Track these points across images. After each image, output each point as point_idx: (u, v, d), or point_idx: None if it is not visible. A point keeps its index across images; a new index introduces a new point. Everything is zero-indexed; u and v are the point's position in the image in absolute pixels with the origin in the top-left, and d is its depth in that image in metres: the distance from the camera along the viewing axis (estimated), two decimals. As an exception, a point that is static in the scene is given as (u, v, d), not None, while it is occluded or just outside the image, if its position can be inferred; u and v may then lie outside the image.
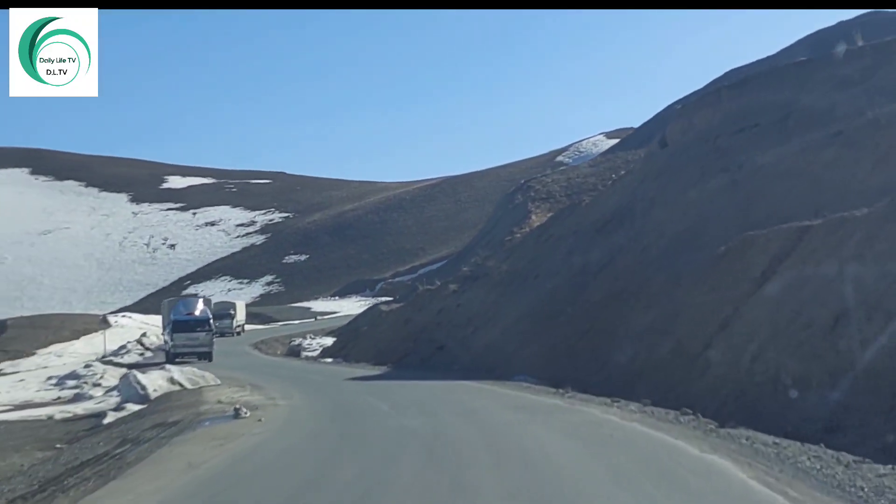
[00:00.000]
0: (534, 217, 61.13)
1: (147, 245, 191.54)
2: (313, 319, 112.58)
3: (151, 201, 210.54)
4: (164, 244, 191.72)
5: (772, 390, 20.97)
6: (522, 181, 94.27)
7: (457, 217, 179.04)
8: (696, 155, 38.06)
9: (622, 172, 52.26)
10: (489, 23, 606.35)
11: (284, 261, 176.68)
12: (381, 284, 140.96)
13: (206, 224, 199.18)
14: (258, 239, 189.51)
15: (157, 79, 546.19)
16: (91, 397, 34.45)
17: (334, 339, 62.18)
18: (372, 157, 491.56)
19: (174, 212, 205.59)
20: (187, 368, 34.39)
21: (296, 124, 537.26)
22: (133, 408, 28.39)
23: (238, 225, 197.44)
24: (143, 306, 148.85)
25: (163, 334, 63.45)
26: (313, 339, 70.30)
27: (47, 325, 73.91)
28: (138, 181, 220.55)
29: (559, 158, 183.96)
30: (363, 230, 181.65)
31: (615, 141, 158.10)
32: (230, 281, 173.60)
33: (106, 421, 25.56)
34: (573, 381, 29.66)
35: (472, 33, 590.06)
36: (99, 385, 40.18)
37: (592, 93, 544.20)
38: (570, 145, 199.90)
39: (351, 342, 54.93)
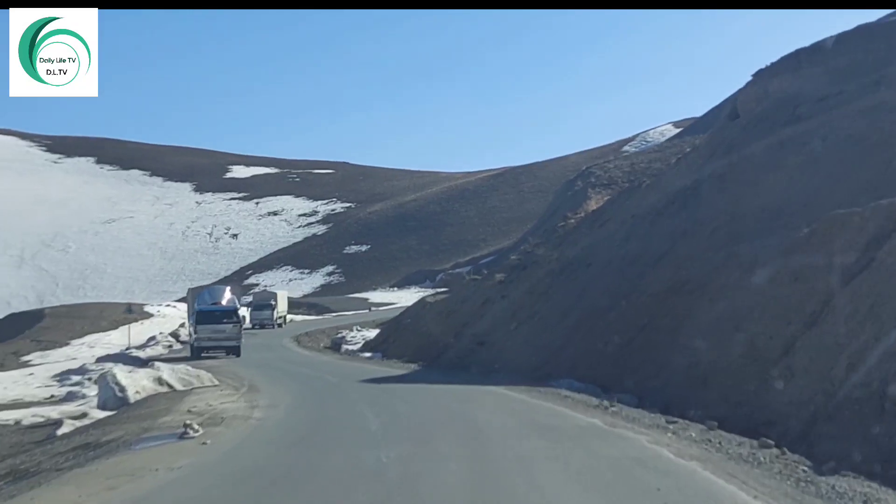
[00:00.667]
0: (591, 202, 56.01)
1: (210, 235, 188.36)
2: (367, 311, 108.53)
3: (215, 191, 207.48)
4: (226, 234, 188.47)
5: (877, 409, 15.90)
6: (584, 168, 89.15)
7: (519, 208, 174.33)
8: (772, 126, 32.82)
9: (687, 150, 46.90)
10: (553, 17, 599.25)
11: (345, 251, 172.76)
12: (441, 276, 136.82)
13: (269, 214, 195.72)
14: (320, 229, 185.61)
15: (221, 70, 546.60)
16: (83, 397, 30.11)
17: (378, 331, 57.58)
18: (435, 147, 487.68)
19: (237, 201, 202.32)
20: (181, 367, 29.77)
21: (360, 114, 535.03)
22: (98, 414, 23.90)
23: (300, 215, 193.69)
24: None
25: (188, 326, 59.68)
26: (359, 330, 65.75)
27: (85, 315, 70.12)
28: (202, 171, 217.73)
29: (625, 148, 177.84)
30: (424, 221, 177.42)
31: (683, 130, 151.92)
32: (291, 271, 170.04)
33: (60, 431, 21.09)
34: (624, 387, 24.64)
35: (535, 27, 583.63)
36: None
37: (661, 84, 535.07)
38: (637, 135, 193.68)
39: (393, 336, 50.20)
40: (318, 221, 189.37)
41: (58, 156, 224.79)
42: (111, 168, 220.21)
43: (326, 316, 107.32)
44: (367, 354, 47.74)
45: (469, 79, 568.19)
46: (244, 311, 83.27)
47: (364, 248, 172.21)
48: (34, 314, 79.95)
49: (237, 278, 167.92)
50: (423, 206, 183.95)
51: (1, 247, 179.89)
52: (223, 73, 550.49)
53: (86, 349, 57.03)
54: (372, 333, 58.62)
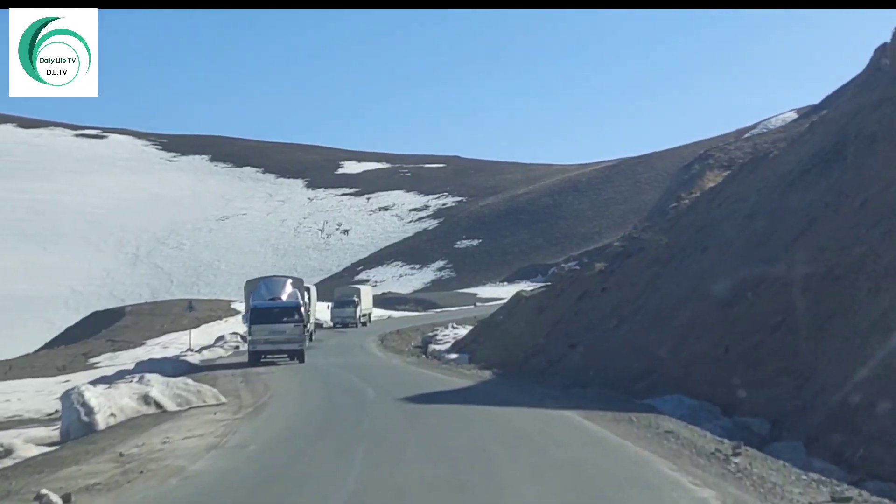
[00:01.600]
0: (707, 180, 48.70)
1: (321, 231, 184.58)
2: (473, 306, 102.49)
3: (326, 187, 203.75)
4: (337, 230, 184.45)
5: None
6: (703, 151, 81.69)
7: (635, 199, 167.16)
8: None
9: (823, 112, 39.43)
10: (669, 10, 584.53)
11: (456, 245, 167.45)
12: (553, 269, 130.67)
13: (380, 209, 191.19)
14: (431, 224, 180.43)
15: (333, 67, 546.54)
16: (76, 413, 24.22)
17: (470, 329, 51.25)
18: (547, 139, 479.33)
19: (348, 197, 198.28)
20: (179, 380, 23.48)
21: (471, 108, 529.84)
22: (29, 453, 17.62)
23: (411, 210, 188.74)
24: (318, 293, 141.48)
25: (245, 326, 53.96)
26: (454, 328, 59.47)
27: (167, 313, 65.17)
28: (314, 167, 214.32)
29: (746, 136, 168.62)
30: (537, 214, 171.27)
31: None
32: (402, 266, 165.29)
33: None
34: (752, 406, 17.82)
35: (650, 17, 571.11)
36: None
37: (781, 71, 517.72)
38: (758, 123, 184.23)
39: (483, 335, 43.74)
40: (429, 216, 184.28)
41: (172, 154, 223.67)
42: (225, 165, 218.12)
43: (430, 312, 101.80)
44: (453, 356, 41.37)
45: (581, 70, 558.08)
46: (323, 309, 77.98)
47: (475, 242, 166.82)
48: (115, 312, 75.58)
49: (348, 274, 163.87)
50: (535, 199, 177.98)
51: (117, 244, 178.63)
52: (334, 70, 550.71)
53: (159, 349, 51.90)
54: (464, 332, 52.27)
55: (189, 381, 23.68)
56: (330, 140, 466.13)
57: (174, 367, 36.49)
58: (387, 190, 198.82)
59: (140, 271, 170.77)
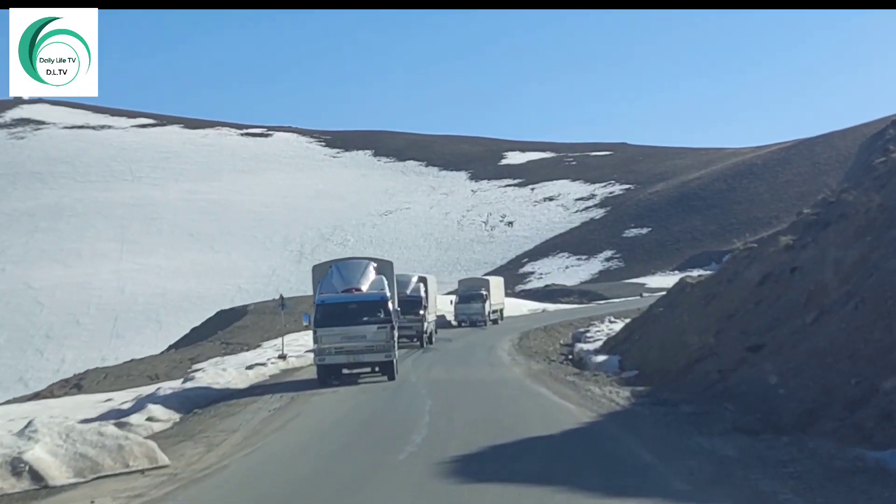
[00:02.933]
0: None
1: (485, 223, 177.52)
2: (639, 296, 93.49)
3: (490, 178, 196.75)
4: (501, 221, 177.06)
5: None
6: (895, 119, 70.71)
7: (815, 181, 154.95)
8: None
9: None
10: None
11: (624, 235, 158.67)
12: (728, 256, 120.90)
13: (545, 199, 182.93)
14: (597, 213, 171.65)
15: (496, 57, 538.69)
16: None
17: (624, 325, 42.41)
18: (718, 122, 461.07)
19: (512, 188, 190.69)
20: (93, 427, 14.27)
21: (638, 94, 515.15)
22: None
23: (577, 199, 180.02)
24: None
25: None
26: (611, 322, 50.72)
27: (292, 311, 58.20)
28: (477, 158, 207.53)
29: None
30: (709, 200, 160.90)
31: None
32: (568, 258, 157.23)
33: None
34: None
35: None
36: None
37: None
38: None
39: (639, 331, 34.83)
40: (595, 205, 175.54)
41: (336, 150, 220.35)
42: (388, 160, 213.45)
43: (595, 304, 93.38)
44: (601, 359, 32.63)
45: (750, 51, 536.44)
46: (443, 303, 69.16)
47: (644, 230, 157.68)
48: (238, 311, 69.23)
49: (513, 267, 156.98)
50: (707, 185, 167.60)
51: (282, 242, 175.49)
52: (496, 61, 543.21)
53: (271, 353, 44.86)
54: (620, 326, 43.48)
55: (110, 429, 14.76)
56: (493, 131, 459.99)
57: (201, 392, 28.00)
58: (552, 179, 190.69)
59: (305, 268, 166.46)
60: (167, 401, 24.67)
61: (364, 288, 31.72)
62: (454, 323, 65.76)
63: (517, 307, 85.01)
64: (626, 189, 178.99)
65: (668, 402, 18.76)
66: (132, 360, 54.23)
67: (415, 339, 47.89)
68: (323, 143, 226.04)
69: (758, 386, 17.97)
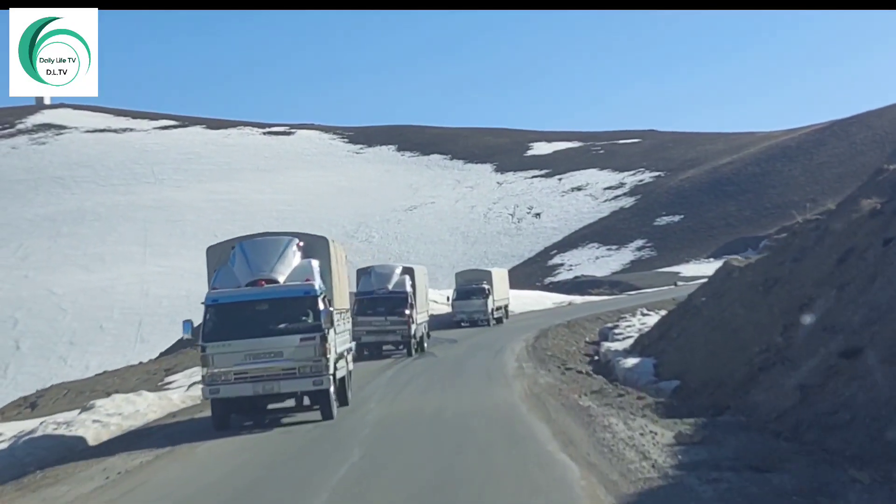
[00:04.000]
0: None
1: (512, 215, 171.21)
2: (673, 286, 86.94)
3: (516, 170, 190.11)
4: (529, 213, 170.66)
5: None
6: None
7: (852, 161, 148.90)
8: None
9: None
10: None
11: (656, 223, 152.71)
12: (765, 242, 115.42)
13: (573, 189, 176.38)
14: (627, 201, 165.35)
15: (518, 47, 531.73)
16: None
17: (659, 319, 35.53)
18: (747, 106, 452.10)
19: (539, 179, 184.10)
20: None
21: (665, 80, 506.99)
22: None
23: (606, 188, 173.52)
24: (509, 279, 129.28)
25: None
26: (644, 315, 44.14)
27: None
28: (502, 150, 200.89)
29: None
30: (743, 184, 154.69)
31: None
32: (598, 248, 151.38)
33: None
34: None
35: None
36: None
37: None
38: None
39: (676, 326, 28.29)
40: (625, 194, 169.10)
41: (359, 146, 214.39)
42: (412, 154, 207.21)
43: (626, 295, 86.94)
44: (631, 363, 26.07)
45: (779, 32, 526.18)
46: (439, 298, 62.01)
47: (676, 218, 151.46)
48: None
49: (541, 259, 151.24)
50: (740, 169, 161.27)
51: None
52: (518, 51, 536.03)
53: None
54: (655, 320, 36.78)
55: None
56: (518, 122, 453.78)
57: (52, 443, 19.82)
58: (579, 169, 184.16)
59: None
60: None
61: (282, 278, 21.76)
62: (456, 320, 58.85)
63: (540, 300, 78.46)
64: (656, 176, 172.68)
65: (742, 462, 11.66)
66: (104, 373, 47.88)
67: (401, 346, 41.04)
68: (346, 140, 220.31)
69: (869, 411, 11.40)
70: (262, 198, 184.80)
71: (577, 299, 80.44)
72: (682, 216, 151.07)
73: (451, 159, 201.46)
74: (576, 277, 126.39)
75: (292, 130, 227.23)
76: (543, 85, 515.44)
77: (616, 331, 37.76)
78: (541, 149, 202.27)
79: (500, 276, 63.89)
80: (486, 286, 58.47)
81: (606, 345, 33.36)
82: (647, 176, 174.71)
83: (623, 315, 47.16)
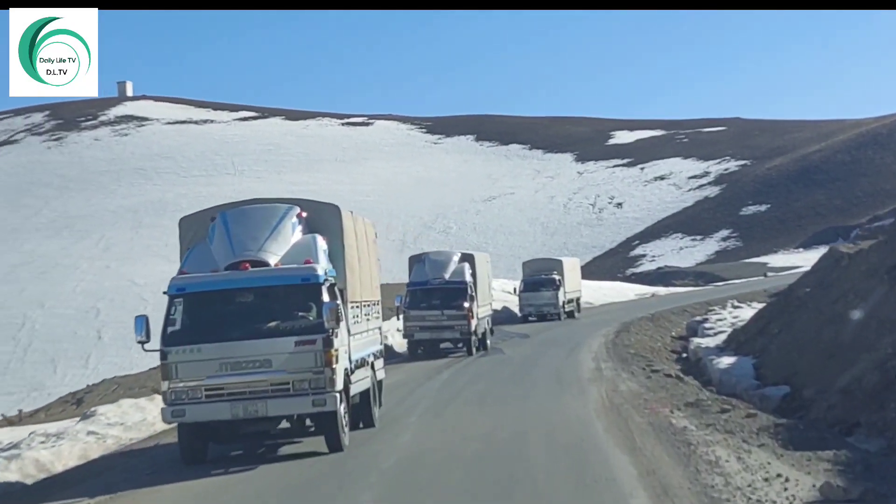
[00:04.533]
0: None
1: (592, 205, 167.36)
2: (762, 277, 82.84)
3: (597, 159, 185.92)
4: (610, 203, 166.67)
5: None
6: None
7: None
8: None
9: None
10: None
11: (742, 213, 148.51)
12: (857, 231, 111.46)
13: (655, 179, 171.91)
14: (712, 191, 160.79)
15: (601, 35, 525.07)
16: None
17: (756, 312, 31.87)
18: (835, 93, 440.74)
19: (621, 168, 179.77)
20: None
21: (751, 68, 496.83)
22: None
23: (690, 177, 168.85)
24: (589, 270, 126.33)
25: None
26: (735, 307, 40.53)
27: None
28: (583, 139, 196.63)
29: None
30: (832, 173, 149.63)
31: None
32: (681, 238, 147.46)
33: None
34: None
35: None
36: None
37: None
38: None
39: (777, 321, 24.98)
40: (709, 183, 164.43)
41: (438, 136, 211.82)
42: (490, 144, 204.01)
43: (712, 286, 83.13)
44: (726, 363, 22.71)
45: (864, 19, 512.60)
46: (507, 290, 57.60)
47: (763, 207, 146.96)
48: None
49: (623, 250, 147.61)
50: (829, 157, 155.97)
51: (384, 231, 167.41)
52: (600, 39, 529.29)
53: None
54: (747, 313, 33.22)
55: None
56: (599, 110, 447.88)
57: None
58: (662, 158, 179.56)
59: (406, 258, 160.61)
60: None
61: (274, 260, 16.55)
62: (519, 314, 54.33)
63: (622, 292, 74.92)
64: (742, 165, 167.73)
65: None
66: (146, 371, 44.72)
67: (460, 344, 36.60)
68: (424, 130, 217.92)
69: None
70: (340, 189, 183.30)
71: (661, 290, 76.77)
72: (768, 206, 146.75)
73: (531, 149, 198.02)
74: (659, 268, 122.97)
75: (371, 121, 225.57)
76: (625, 73, 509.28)
77: (706, 325, 34.26)
78: (623, 137, 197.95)
79: (571, 266, 59.60)
80: (557, 276, 54.01)
81: (696, 341, 29.95)
82: (732, 164, 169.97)
83: (712, 307, 43.67)
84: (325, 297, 16.22)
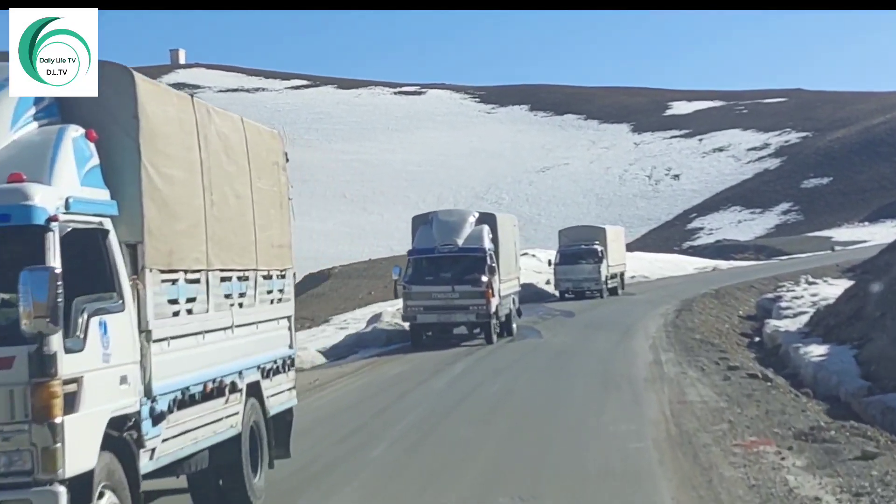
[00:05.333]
0: None
1: (649, 177, 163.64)
2: (829, 251, 78.98)
3: (654, 130, 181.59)
4: (667, 175, 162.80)
5: None
6: None
7: None
8: None
9: None
10: None
11: (803, 185, 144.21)
12: None
13: (714, 150, 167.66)
14: (772, 163, 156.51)
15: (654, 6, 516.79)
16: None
17: (850, 283, 28.06)
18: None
19: (678, 139, 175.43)
20: None
21: (812, 39, 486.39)
22: None
23: (749, 149, 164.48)
24: (644, 243, 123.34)
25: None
26: (811, 284, 36.93)
27: (383, 274, 45.22)
28: (640, 110, 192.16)
29: None
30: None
31: None
32: (740, 211, 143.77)
33: None
34: None
35: None
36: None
37: None
38: None
39: (878, 302, 21.45)
40: (769, 155, 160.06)
41: (491, 106, 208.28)
42: (545, 114, 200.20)
43: (774, 260, 79.39)
44: (818, 352, 19.21)
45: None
46: (539, 263, 51.86)
47: (825, 180, 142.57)
48: (319, 275, 56.40)
49: (679, 223, 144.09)
50: (895, 129, 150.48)
51: (435, 202, 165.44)
52: (658, 10, 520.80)
53: (332, 331, 32.57)
54: (831, 290, 29.58)
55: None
56: (656, 81, 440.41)
57: None
58: (721, 129, 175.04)
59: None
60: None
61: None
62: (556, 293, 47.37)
63: (680, 265, 71.31)
64: (804, 137, 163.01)
65: None
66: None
67: (478, 331, 29.94)
68: (477, 100, 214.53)
69: None
70: (392, 158, 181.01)
71: (723, 264, 72.92)
72: (830, 178, 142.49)
73: (586, 119, 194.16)
74: (717, 241, 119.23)
75: (423, 90, 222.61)
76: (683, 43, 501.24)
77: (781, 304, 30.41)
78: (680, 108, 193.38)
79: (615, 235, 52.09)
80: (599, 247, 46.85)
81: (773, 323, 26.31)
82: (793, 136, 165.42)
83: (781, 283, 39.98)
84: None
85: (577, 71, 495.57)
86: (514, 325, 31.72)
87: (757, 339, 24.92)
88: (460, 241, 29.11)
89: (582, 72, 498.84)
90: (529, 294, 42.71)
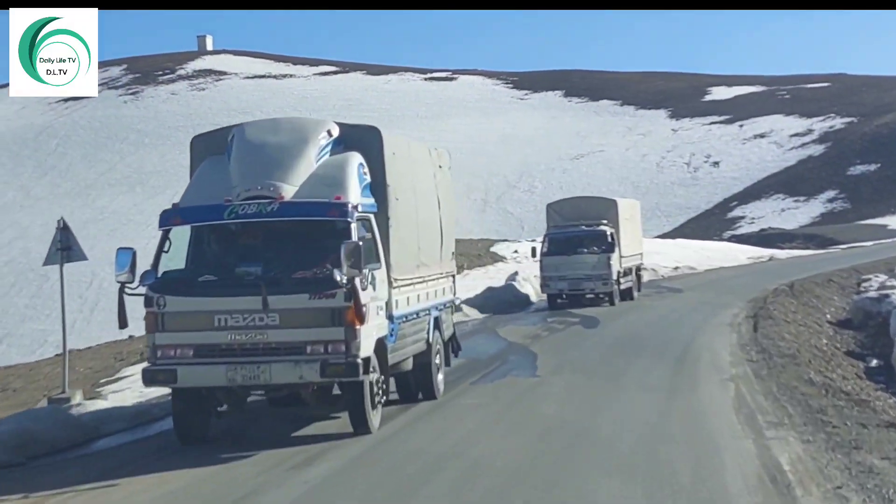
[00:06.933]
0: None
1: (687, 164, 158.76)
2: (890, 240, 74.15)
3: (692, 116, 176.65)
4: (706, 162, 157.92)
5: None
6: None
7: None
8: None
9: None
10: None
11: (849, 172, 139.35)
12: None
13: (755, 136, 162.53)
14: (816, 149, 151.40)
15: None
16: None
17: None
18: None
19: (718, 125, 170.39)
20: None
21: (855, 23, 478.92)
22: None
23: (792, 135, 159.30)
24: (683, 232, 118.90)
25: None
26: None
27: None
28: (677, 95, 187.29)
29: None
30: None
31: None
32: (783, 199, 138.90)
33: None
34: None
35: None
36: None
37: None
38: None
39: None
40: (813, 141, 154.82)
41: (524, 92, 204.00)
42: (579, 100, 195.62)
43: (831, 250, 74.37)
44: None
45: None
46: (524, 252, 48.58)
47: (872, 167, 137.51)
48: None
49: (720, 211, 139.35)
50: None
51: (465, 190, 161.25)
52: None
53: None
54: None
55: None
56: (694, 66, 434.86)
57: None
58: (763, 115, 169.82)
59: (489, 218, 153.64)
60: None
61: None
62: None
63: (731, 255, 65.97)
64: (849, 122, 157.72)
65: None
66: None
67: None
68: (510, 85, 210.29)
69: None
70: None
71: (779, 254, 67.64)
72: (878, 165, 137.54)
73: (622, 105, 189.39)
74: (762, 230, 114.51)
75: (454, 76, 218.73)
76: (722, 27, 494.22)
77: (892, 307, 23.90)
78: (720, 93, 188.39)
79: (629, 212, 38.01)
80: (607, 228, 34.17)
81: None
82: (837, 122, 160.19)
83: (866, 276, 34.44)
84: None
85: (612, 56, 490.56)
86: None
87: (873, 361, 18.68)
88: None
89: (618, 57, 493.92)
90: (499, 302, 34.96)
